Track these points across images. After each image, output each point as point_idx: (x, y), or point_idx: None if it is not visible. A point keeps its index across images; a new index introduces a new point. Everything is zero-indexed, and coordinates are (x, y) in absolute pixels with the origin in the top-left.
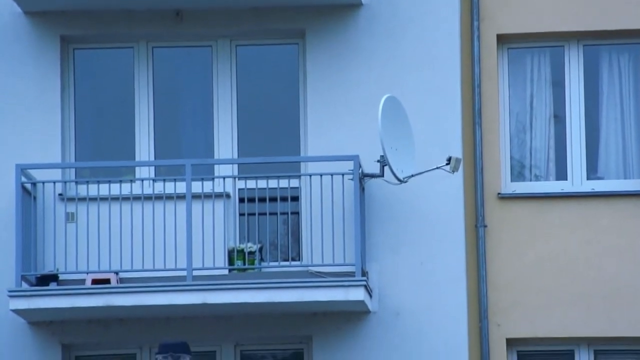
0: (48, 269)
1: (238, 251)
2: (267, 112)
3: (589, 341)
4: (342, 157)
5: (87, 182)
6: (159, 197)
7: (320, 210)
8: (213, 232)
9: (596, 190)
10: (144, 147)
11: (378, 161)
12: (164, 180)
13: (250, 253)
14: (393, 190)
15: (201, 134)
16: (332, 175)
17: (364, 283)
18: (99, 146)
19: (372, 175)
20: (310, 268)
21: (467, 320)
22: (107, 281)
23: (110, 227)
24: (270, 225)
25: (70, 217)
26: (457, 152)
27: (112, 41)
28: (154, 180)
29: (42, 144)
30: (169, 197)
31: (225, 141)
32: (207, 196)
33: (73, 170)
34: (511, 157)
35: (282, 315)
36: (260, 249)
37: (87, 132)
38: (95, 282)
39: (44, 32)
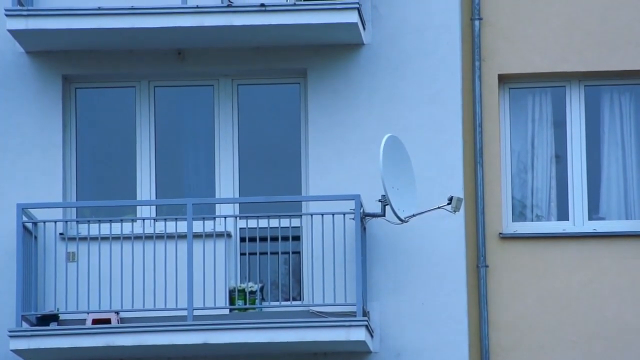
0: (48, 308)
1: (239, 291)
2: (269, 151)
3: None
4: (344, 197)
5: (88, 222)
6: (160, 237)
7: (322, 250)
8: (214, 271)
9: (598, 230)
10: (145, 186)
11: (379, 201)
12: (165, 220)
13: (251, 293)
14: (394, 230)
15: (202, 173)
16: (333, 214)
17: (365, 323)
18: (100, 185)
19: (374, 215)
20: (311, 308)
21: None
22: (108, 321)
23: (111, 266)
24: (271, 264)
25: (71, 257)
26: (458, 192)
27: (114, 80)
28: (155, 220)
29: (43, 183)
30: (170, 236)
31: (227, 180)
32: (208, 235)
33: (74, 209)
34: (512, 197)
35: (283, 355)
36: (261, 289)
37: (88, 171)
38: (95, 322)
39: (46, 71)
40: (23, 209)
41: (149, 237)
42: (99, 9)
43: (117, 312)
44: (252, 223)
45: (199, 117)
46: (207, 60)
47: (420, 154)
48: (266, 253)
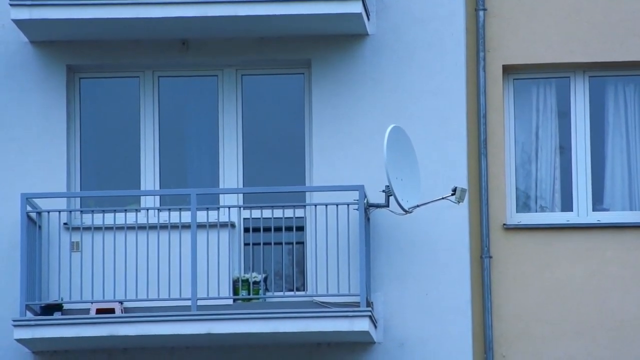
0: (52, 298)
1: (243, 281)
2: (273, 141)
3: None
4: (347, 187)
5: (92, 212)
6: (164, 227)
7: (325, 240)
8: (218, 261)
9: (602, 221)
10: (149, 176)
11: (383, 191)
12: (169, 210)
13: (255, 283)
14: (398, 220)
15: (206, 163)
16: (337, 205)
17: (369, 313)
18: (104, 175)
19: (378, 206)
20: (315, 298)
21: (472, 352)
22: (112, 311)
23: (115, 256)
24: (275, 255)
25: (75, 247)
26: (462, 183)
27: (118, 70)
28: (159, 210)
29: (47, 173)
30: (174, 226)
31: (231, 171)
32: (212, 226)
33: (78, 199)
34: (517, 188)
35: (286, 345)
36: (265, 279)
37: (92, 161)
38: (99, 311)
39: (50, 61)
40: (27, 199)
41: (152, 227)
42: None
43: (120, 302)
44: (256, 213)
45: (203, 108)
46: (211, 51)
47: (424, 144)
48: (270, 243)
